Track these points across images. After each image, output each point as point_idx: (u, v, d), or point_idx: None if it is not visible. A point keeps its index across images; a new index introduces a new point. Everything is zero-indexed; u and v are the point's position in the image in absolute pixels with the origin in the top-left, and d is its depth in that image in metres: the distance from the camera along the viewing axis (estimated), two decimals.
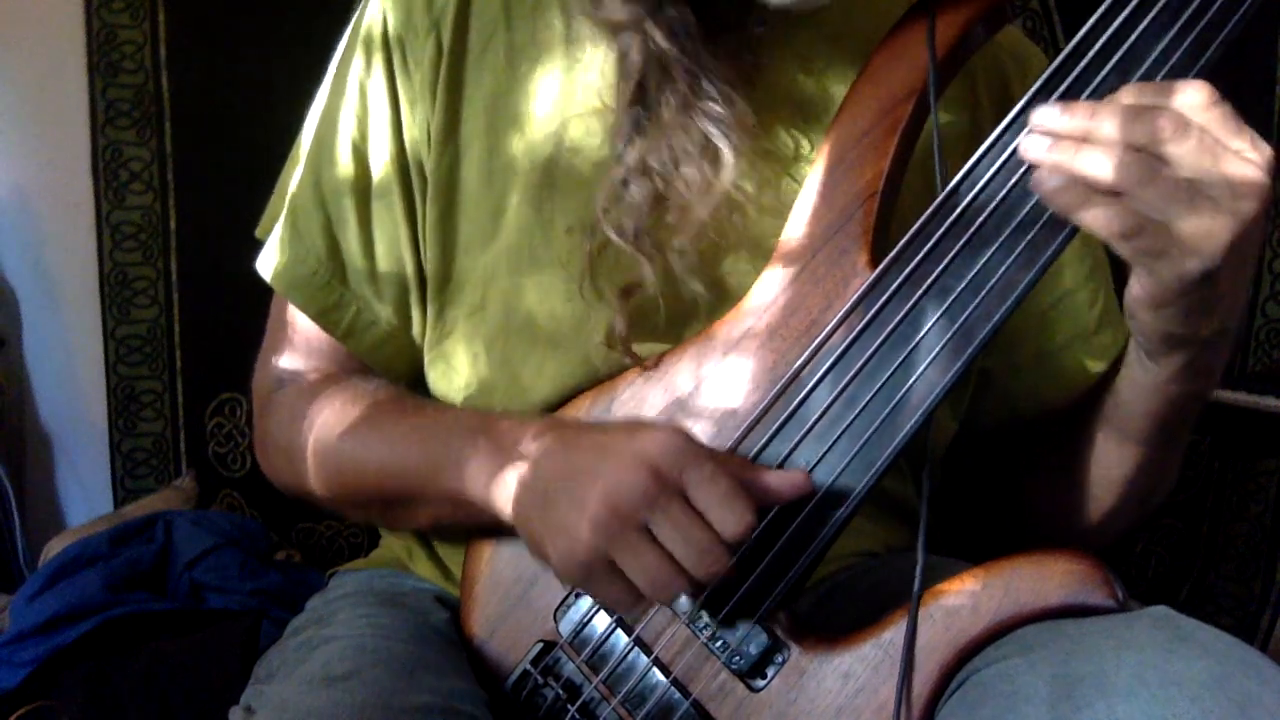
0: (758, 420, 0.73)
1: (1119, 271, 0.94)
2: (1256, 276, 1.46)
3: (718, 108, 0.76)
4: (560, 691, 0.76)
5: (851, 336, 0.71)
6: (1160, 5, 0.66)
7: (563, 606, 0.77)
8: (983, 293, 0.69)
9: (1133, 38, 0.66)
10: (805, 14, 0.78)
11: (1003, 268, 0.69)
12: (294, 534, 1.61)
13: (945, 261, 0.70)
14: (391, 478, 0.81)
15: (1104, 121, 0.61)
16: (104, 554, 1.31)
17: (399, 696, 0.70)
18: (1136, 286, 0.66)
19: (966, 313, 0.69)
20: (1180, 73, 0.65)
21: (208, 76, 1.62)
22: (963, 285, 0.70)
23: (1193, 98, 0.60)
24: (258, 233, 0.93)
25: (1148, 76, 0.66)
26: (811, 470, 0.71)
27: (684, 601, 0.72)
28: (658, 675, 0.74)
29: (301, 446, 0.84)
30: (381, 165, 0.84)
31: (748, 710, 0.71)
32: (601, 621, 0.76)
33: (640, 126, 0.77)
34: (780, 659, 0.71)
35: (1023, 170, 0.69)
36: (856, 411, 0.71)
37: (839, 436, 0.71)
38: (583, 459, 0.69)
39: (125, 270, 1.63)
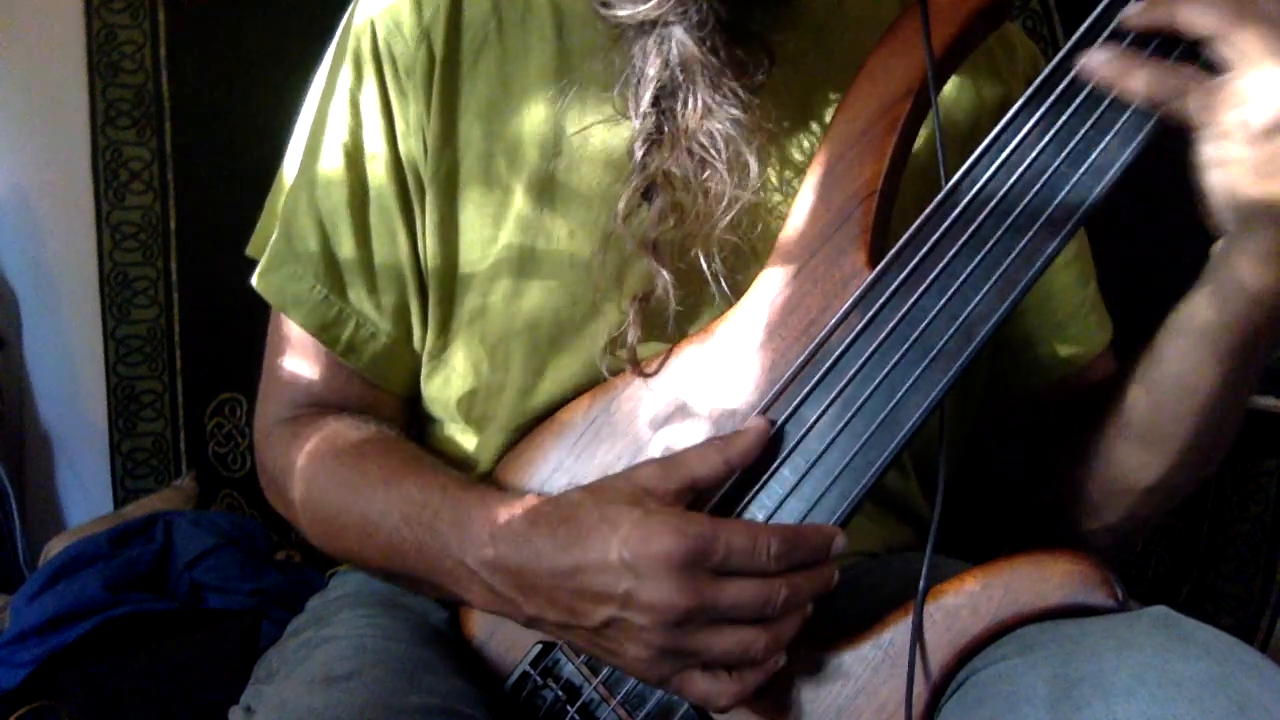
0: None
1: (1112, 271, 0.94)
2: None
3: (739, 114, 0.75)
4: (560, 692, 0.76)
5: (851, 336, 0.71)
6: None
7: None
8: (982, 291, 0.69)
9: (1132, 35, 0.66)
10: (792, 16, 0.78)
11: (1002, 266, 0.69)
12: (294, 534, 1.60)
13: (945, 261, 0.70)
14: (394, 567, 0.80)
15: None
16: (104, 554, 1.31)
17: (399, 697, 0.70)
18: (1201, 149, 0.65)
19: (966, 311, 0.69)
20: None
21: (208, 76, 1.62)
22: (962, 284, 0.70)
23: None
24: (249, 251, 0.92)
25: None
26: (810, 469, 0.71)
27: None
28: None
29: (297, 505, 0.84)
30: (377, 176, 0.83)
31: (747, 710, 0.71)
32: None
33: (658, 134, 0.76)
34: (782, 659, 0.71)
35: (1023, 167, 0.69)
36: (856, 411, 0.71)
37: (838, 436, 0.71)
38: (607, 593, 0.66)
39: (125, 270, 1.63)
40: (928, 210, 0.71)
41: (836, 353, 0.71)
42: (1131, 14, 0.66)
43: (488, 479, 0.83)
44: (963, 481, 0.90)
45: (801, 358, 0.72)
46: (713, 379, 0.76)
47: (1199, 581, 1.44)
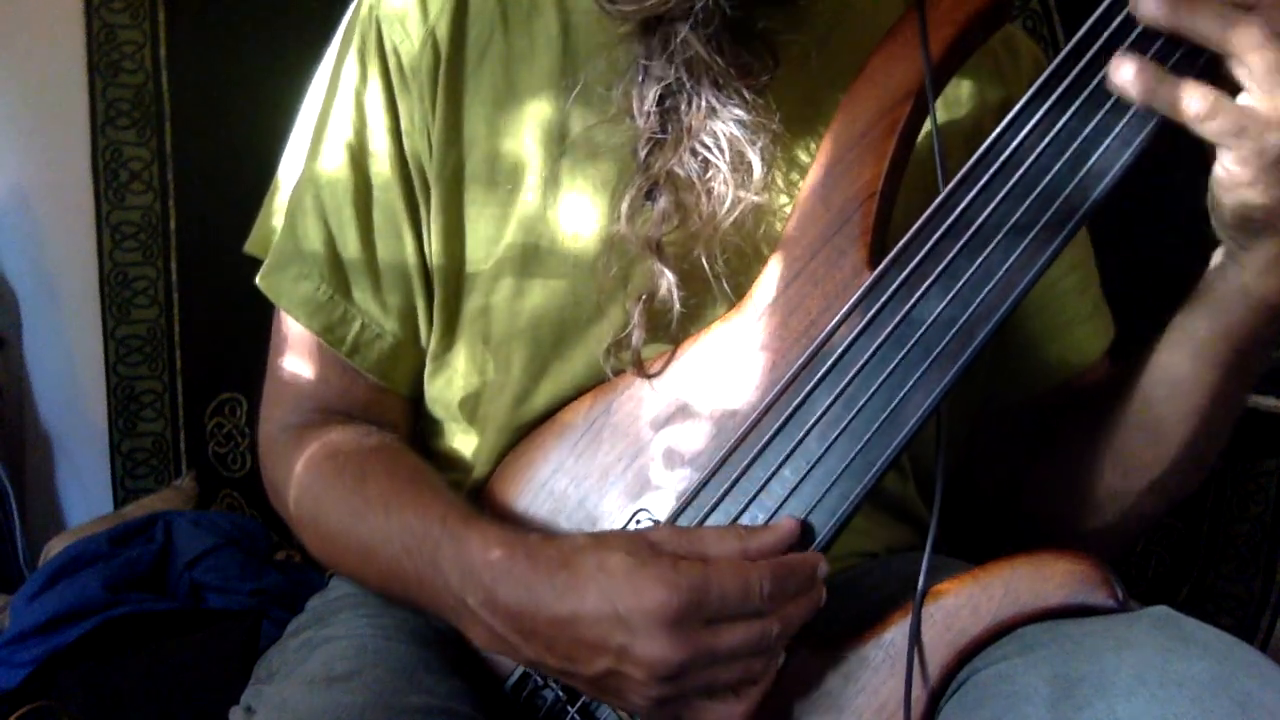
0: (757, 421, 0.73)
1: (1110, 272, 0.94)
2: None
3: (744, 115, 0.74)
4: (560, 693, 0.76)
5: (851, 337, 0.71)
6: None
7: None
8: (983, 293, 0.69)
9: (1132, 35, 0.66)
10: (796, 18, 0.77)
11: (1002, 268, 0.69)
12: (294, 535, 1.61)
13: (945, 261, 0.70)
14: (395, 592, 0.80)
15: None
16: (104, 554, 1.31)
17: (399, 697, 0.70)
18: (1218, 168, 0.65)
19: (966, 313, 0.69)
20: (1186, 67, 0.65)
21: (208, 76, 1.62)
22: (962, 285, 0.70)
23: None
24: (247, 248, 0.92)
25: None
26: (811, 469, 0.71)
27: None
28: None
29: (291, 511, 0.85)
30: (382, 175, 0.83)
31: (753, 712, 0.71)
32: None
33: (662, 134, 0.75)
34: (783, 657, 0.71)
35: (1024, 169, 0.69)
36: (856, 412, 0.71)
37: (839, 437, 0.71)
38: (604, 646, 0.65)
39: (125, 270, 1.63)
40: (928, 211, 0.71)
41: (837, 353, 0.71)
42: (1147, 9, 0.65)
43: (489, 479, 0.83)
44: (961, 483, 0.91)
45: (802, 359, 0.72)
46: (713, 380, 0.76)
47: (1199, 581, 1.44)
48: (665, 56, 0.74)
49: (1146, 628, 0.63)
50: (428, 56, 0.81)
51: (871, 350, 0.71)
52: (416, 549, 0.74)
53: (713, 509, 0.72)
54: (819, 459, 0.71)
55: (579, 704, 0.75)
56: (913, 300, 0.70)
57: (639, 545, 0.67)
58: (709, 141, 0.74)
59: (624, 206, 0.76)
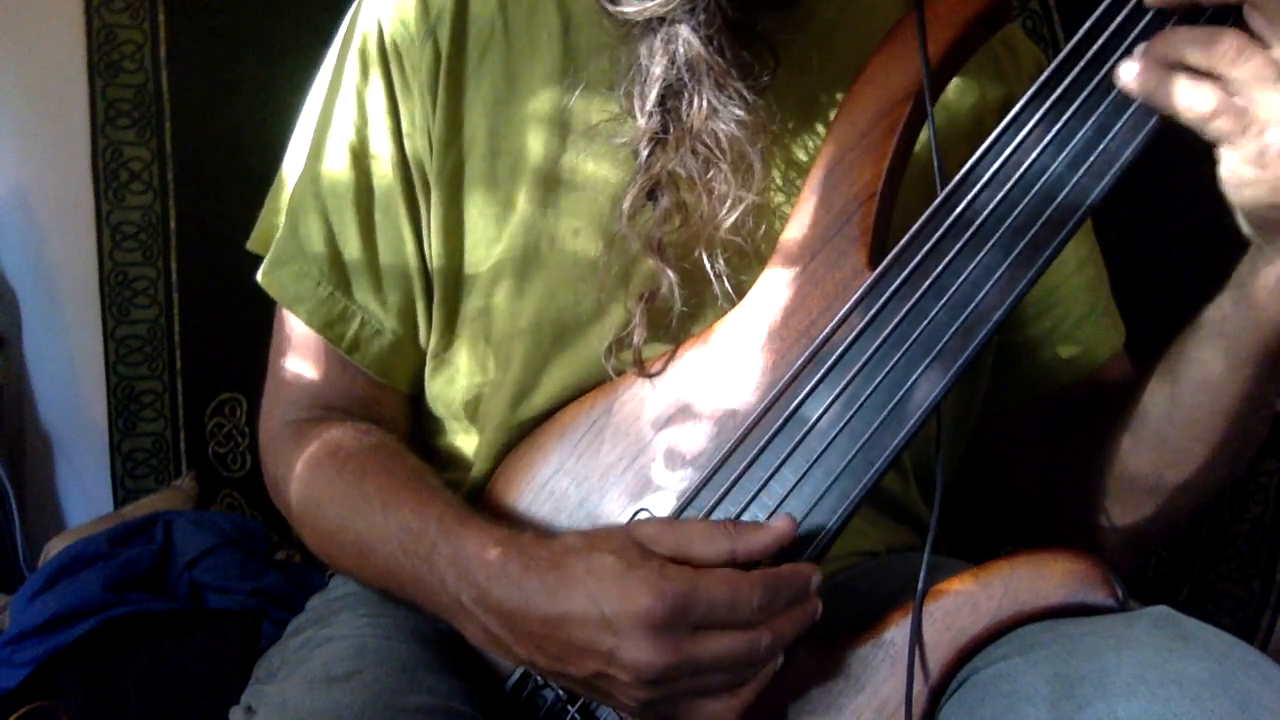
0: (758, 421, 0.73)
1: (1115, 274, 0.94)
2: None
3: (744, 115, 0.75)
4: (560, 693, 0.76)
5: (851, 337, 0.71)
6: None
7: None
8: (983, 291, 0.69)
9: (1133, 36, 0.67)
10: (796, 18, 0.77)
11: (1002, 267, 0.69)
12: (294, 534, 1.61)
13: (945, 261, 0.70)
14: (392, 589, 0.80)
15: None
16: (104, 554, 1.31)
17: (400, 697, 0.70)
18: (1223, 168, 0.65)
19: (966, 312, 0.69)
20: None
21: (208, 76, 1.62)
22: (962, 284, 0.70)
23: None
24: (249, 246, 0.92)
25: None
26: (811, 469, 0.71)
27: None
28: None
29: (291, 508, 0.85)
30: (383, 173, 0.83)
31: (747, 710, 0.71)
32: None
33: (665, 132, 0.75)
34: (781, 659, 0.71)
35: (1023, 169, 0.69)
36: (856, 411, 0.71)
37: (838, 436, 0.71)
38: (591, 649, 0.66)
39: (125, 270, 1.63)
40: (929, 211, 0.71)
41: (837, 353, 0.72)
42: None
43: (490, 479, 0.83)
44: (963, 483, 0.91)
45: (802, 358, 0.73)
46: (714, 380, 0.76)
47: (1199, 581, 1.44)
48: (667, 57, 0.75)
49: (1146, 627, 0.63)
50: (428, 55, 0.81)
51: (872, 350, 0.71)
52: (413, 548, 0.75)
53: (713, 508, 0.73)
54: (819, 458, 0.71)
55: (579, 704, 0.75)
56: (913, 300, 0.70)
57: (629, 547, 0.67)
58: (710, 141, 0.75)
59: (625, 206, 0.76)
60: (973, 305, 0.69)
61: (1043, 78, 0.69)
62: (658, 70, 0.75)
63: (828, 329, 0.72)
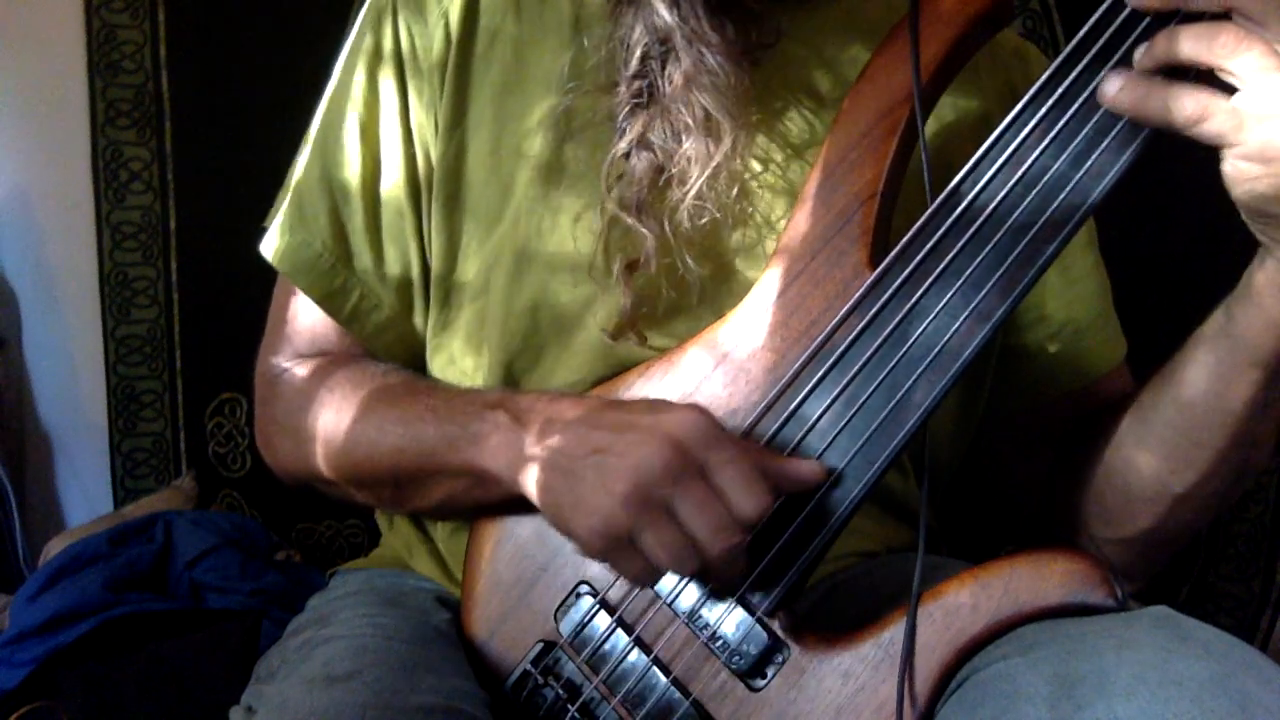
0: (758, 420, 0.73)
1: (1115, 274, 0.94)
2: None
3: (720, 82, 0.76)
4: (560, 691, 0.76)
5: (852, 336, 0.72)
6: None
7: (563, 607, 0.77)
8: (983, 291, 0.69)
9: (1133, 36, 0.67)
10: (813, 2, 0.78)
11: (1002, 267, 0.69)
12: (294, 534, 1.61)
13: (946, 261, 0.70)
14: (406, 454, 0.80)
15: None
16: (104, 554, 1.31)
17: (400, 696, 0.70)
18: (1225, 165, 0.65)
19: (967, 312, 0.69)
20: (1179, 72, 0.65)
21: (208, 76, 1.62)
22: (962, 284, 0.70)
23: None
24: (268, 221, 0.93)
25: None
26: None
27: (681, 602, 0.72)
28: (658, 675, 0.74)
29: (310, 427, 0.85)
30: (389, 153, 0.85)
31: (748, 710, 0.71)
32: (602, 621, 0.76)
33: (641, 100, 0.77)
34: (780, 658, 0.71)
35: (1024, 169, 0.69)
36: (857, 410, 0.71)
37: (839, 435, 0.71)
38: (607, 437, 0.69)
39: (125, 270, 1.62)
40: (929, 211, 0.71)
41: (838, 352, 0.72)
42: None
43: None
44: (963, 483, 0.91)
45: (803, 358, 0.73)
46: (714, 380, 0.76)
47: (1199, 581, 1.44)
48: (642, 24, 0.77)
49: (1146, 627, 0.63)
50: (439, 42, 0.83)
51: (872, 350, 0.71)
52: (448, 407, 0.79)
53: None
54: (819, 457, 0.71)
55: (579, 703, 0.75)
56: (914, 299, 0.70)
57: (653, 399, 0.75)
58: (684, 108, 0.76)
59: (605, 172, 0.78)
60: (974, 305, 0.69)
61: (1044, 77, 0.69)
62: (634, 37, 0.77)
63: (828, 328, 0.72)
